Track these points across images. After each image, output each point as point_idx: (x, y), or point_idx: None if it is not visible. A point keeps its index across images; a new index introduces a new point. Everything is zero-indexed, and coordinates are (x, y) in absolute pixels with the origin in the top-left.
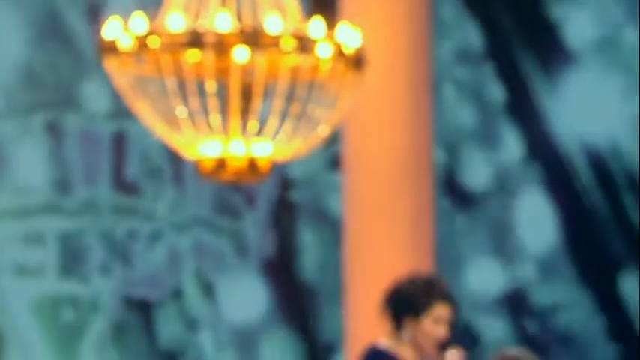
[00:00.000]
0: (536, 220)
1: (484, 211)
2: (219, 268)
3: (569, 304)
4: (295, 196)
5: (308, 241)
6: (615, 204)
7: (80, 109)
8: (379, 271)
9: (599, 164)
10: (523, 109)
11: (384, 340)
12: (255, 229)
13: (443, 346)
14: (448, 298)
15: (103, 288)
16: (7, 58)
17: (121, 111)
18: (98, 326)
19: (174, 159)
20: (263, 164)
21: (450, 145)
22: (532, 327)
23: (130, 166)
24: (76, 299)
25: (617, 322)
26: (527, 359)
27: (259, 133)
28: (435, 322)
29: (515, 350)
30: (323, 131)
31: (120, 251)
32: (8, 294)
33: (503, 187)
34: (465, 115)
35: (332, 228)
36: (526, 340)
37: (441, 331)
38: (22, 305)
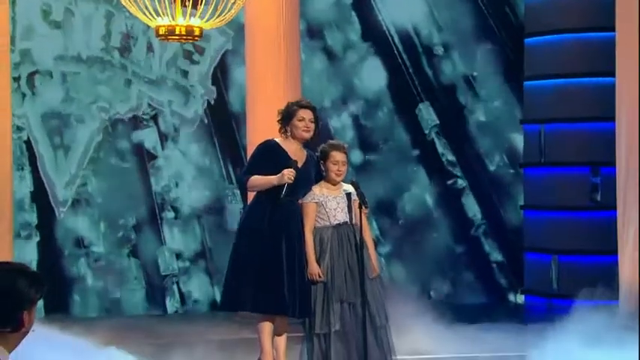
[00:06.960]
0: (371, 74)
1: (340, 68)
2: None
3: (389, 127)
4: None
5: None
6: (416, 62)
7: None
8: (267, 103)
9: (406, 38)
10: (363, 5)
11: (277, 138)
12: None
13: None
14: (307, 105)
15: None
16: None
17: None
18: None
19: None
20: (196, 31)
21: (314, 25)
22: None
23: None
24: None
25: (415, 134)
26: (338, 146)
27: (193, 11)
28: (300, 120)
29: (334, 141)
30: (232, 11)
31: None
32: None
33: (351, 54)
34: (324, 8)
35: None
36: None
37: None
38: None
